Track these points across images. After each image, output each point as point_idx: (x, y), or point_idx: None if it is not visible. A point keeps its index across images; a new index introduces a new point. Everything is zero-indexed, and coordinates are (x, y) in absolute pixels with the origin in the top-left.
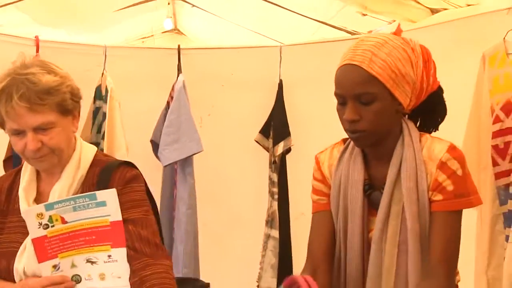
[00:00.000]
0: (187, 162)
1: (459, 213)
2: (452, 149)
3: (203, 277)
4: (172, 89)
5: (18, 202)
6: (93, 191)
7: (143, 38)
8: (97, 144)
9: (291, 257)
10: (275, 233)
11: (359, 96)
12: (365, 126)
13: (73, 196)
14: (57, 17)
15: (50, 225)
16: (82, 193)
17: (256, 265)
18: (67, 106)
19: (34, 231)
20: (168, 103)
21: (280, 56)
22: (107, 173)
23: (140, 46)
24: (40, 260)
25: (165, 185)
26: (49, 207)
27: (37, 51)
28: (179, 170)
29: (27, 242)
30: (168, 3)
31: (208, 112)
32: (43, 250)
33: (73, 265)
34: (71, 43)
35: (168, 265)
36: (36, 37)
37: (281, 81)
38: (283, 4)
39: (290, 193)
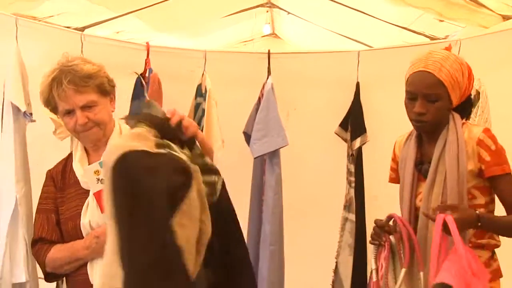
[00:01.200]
0: (274, 154)
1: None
2: (486, 131)
3: (287, 253)
4: (263, 87)
5: (72, 177)
6: None
7: (244, 41)
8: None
9: (365, 237)
10: (352, 216)
11: (428, 95)
12: (429, 118)
13: None
14: (170, 24)
15: None
16: None
17: (333, 244)
18: (105, 88)
19: (94, 186)
20: (259, 99)
21: (358, 60)
22: None
23: (236, 51)
24: (103, 211)
25: (255, 173)
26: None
27: (148, 55)
28: (267, 160)
29: (89, 200)
30: (267, 11)
31: (294, 107)
32: None
33: None
34: (177, 48)
35: None
36: (147, 43)
37: (358, 82)
38: (369, 12)
39: (365, 180)
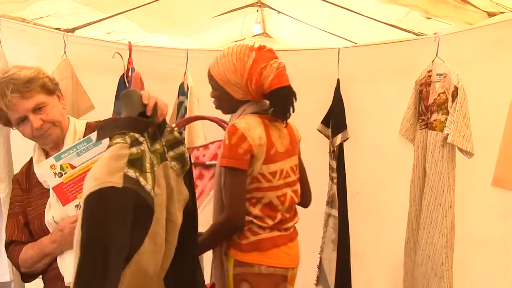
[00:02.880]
0: None
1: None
2: (231, 126)
3: None
4: None
5: (35, 177)
6: None
7: (235, 41)
8: (180, 133)
9: (348, 232)
10: (335, 212)
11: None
12: (215, 103)
13: (73, 144)
14: (160, 24)
15: (63, 172)
16: None
17: (316, 240)
18: (49, 87)
19: (52, 180)
20: None
21: (338, 56)
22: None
23: (217, 49)
24: (64, 203)
25: None
26: (58, 158)
27: (130, 55)
28: None
29: (50, 197)
30: (257, 10)
31: None
32: (64, 195)
33: None
34: (159, 47)
35: None
36: (129, 42)
37: (338, 79)
38: (358, 10)
39: (346, 176)
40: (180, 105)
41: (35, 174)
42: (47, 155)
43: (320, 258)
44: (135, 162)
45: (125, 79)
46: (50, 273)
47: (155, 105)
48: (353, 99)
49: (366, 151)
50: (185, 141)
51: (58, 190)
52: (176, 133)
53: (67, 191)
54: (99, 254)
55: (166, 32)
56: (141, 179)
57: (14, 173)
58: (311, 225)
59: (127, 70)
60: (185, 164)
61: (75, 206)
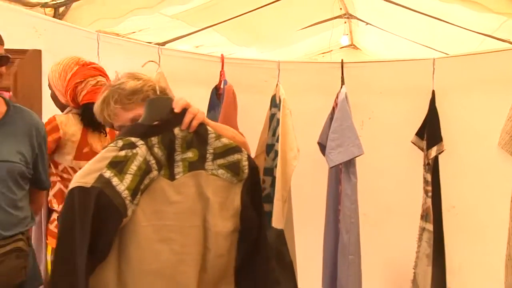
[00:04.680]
0: (350, 163)
1: None
2: (51, 117)
3: (364, 261)
4: (337, 97)
5: None
6: None
7: (323, 53)
8: (272, 145)
9: (443, 247)
10: (429, 226)
11: None
12: None
13: None
14: (249, 37)
15: None
16: None
17: (409, 253)
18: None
19: None
20: (333, 109)
21: (433, 67)
22: None
23: (309, 61)
24: None
25: (331, 182)
26: None
27: (222, 67)
28: (343, 170)
29: None
30: (345, 22)
31: (368, 116)
32: None
33: None
34: (251, 59)
35: None
36: (222, 55)
37: (433, 90)
38: (450, 20)
39: (442, 190)
40: (272, 117)
41: None
42: None
43: (414, 273)
44: (117, 164)
45: (217, 92)
46: None
47: (184, 110)
48: (448, 110)
49: (462, 164)
50: (278, 153)
51: None
52: (226, 140)
53: None
54: (67, 250)
55: (254, 45)
56: (114, 179)
57: None
58: (405, 239)
59: (220, 83)
60: (239, 172)
61: None
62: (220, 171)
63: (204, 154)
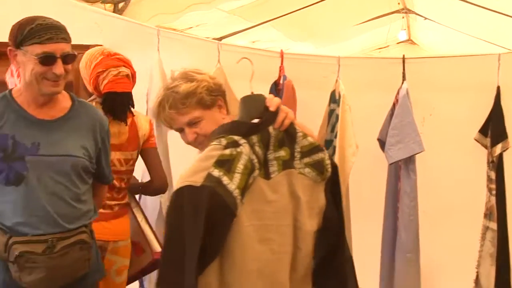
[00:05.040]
0: (410, 160)
1: None
2: None
3: (422, 261)
4: (397, 92)
5: None
6: None
7: (379, 48)
8: (330, 141)
9: (508, 246)
10: (493, 225)
11: None
12: None
13: None
14: (305, 32)
15: None
16: None
17: (472, 252)
18: (206, 102)
19: None
20: (394, 105)
21: (499, 63)
22: None
23: (369, 57)
24: None
25: (390, 179)
26: None
27: (282, 63)
28: (403, 166)
29: None
30: (403, 17)
31: (429, 113)
32: None
33: None
34: (310, 54)
35: None
36: (281, 50)
37: (498, 86)
38: None
39: (507, 189)
40: (331, 113)
41: None
42: None
43: (477, 272)
44: (224, 162)
45: (276, 87)
46: None
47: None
48: None
49: None
50: (336, 149)
51: None
52: (311, 139)
53: None
54: (176, 250)
55: (309, 40)
56: (224, 178)
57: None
58: (467, 238)
59: (279, 78)
60: (323, 171)
61: None
62: (307, 170)
63: (293, 153)
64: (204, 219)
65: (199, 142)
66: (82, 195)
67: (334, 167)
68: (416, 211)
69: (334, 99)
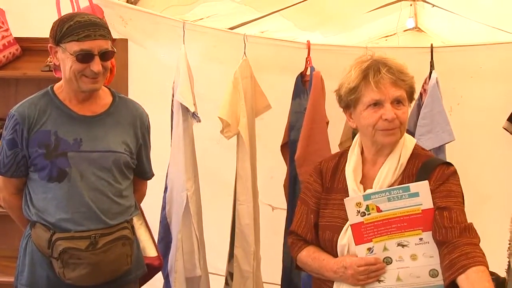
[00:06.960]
0: (440, 149)
1: None
2: None
3: None
4: (425, 82)
5: (342, 181)
6: (412, 181)
7: (387, 36)
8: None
9: None
10: None
11: None
12: None
13: (388, 188)
14: (313, 21)
15: (367, 213)
16: (402, 181)
17: (504, 241)
18: (413, 93)
19: (353, 217)
20: (421, 95)
21: None
22: (428, 168)
23: (397, 46)
24: (357, 243)
25: None
26: (367, 197)
27: (308, 54)
28: None
29: (346, 225)
30: (410, 4)
31: (457, 102)
32: (360, 235)
33: (385, 249)
34: (336, 45)
35: (473, 243)
36: (308, 41)
37: None
38: None
39: None
40: None
41: (343, 176)
42: (363, 164)
43: (509, 261)
44: None
45: (302, 78)
46: (323, 285)
47: None
48: None
49: None
50: None
51: (356, 228)
52: None
53: (364, 232)
54: None
55: (318, 30)
56: None
57: (217, 167)
58: (499, 229)
59: (305, 69)
60: None
61: (367, 249)
62: None
63: None
64: None
65: (393, 127)
66: (124, 190)
67: None
68: None
69: None
